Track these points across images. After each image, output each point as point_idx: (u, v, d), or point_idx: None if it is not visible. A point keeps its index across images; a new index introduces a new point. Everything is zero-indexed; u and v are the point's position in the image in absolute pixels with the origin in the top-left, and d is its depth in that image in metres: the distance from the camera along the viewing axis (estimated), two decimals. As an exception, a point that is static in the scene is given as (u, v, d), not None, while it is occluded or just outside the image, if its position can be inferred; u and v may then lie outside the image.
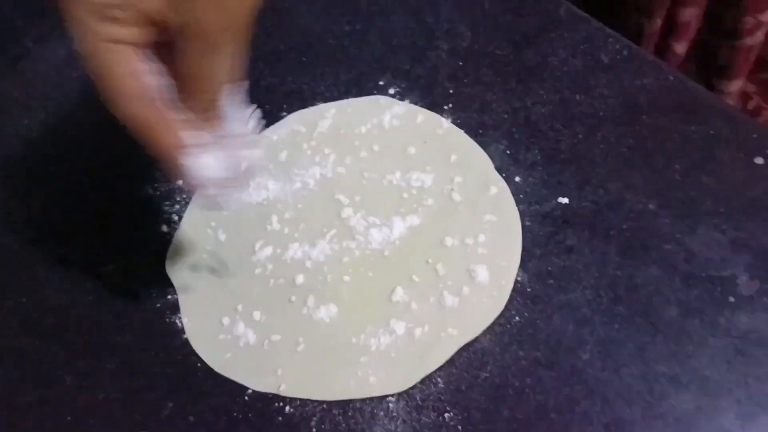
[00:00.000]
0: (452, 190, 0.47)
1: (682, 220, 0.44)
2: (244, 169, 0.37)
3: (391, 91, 0.52)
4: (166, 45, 0.33)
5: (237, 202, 0.38)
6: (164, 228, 0.48)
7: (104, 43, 0.33)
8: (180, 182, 0.49)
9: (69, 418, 0.42)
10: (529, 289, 0.43)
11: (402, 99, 0.51)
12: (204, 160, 0.35)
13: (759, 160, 0.45)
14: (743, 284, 0.42)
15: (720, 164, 0.45)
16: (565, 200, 0.46)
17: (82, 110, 0.54)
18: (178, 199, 0.49)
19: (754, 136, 0.46)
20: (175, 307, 0.45)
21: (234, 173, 0.36)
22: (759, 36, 0.66)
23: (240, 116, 0.36)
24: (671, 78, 0.49)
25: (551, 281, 0.43)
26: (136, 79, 0.33)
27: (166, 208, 0.49)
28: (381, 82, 0.52)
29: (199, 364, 0.43)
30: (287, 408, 0.41)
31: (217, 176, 0.35)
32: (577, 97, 0.49)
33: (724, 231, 0.43)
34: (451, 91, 0.51)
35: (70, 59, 0.58)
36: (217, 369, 0.43)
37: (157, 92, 0.34)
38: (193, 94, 0.35)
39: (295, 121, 0.51)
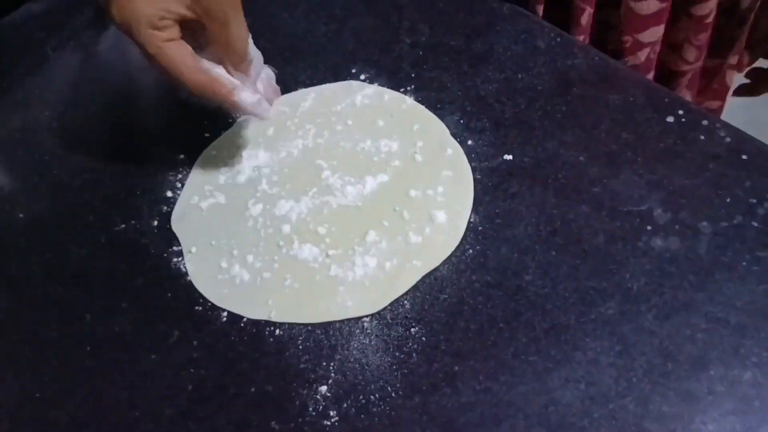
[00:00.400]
0: (415, 152, 0.55)
1: (607, 168, 0.52)
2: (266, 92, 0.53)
3: (362, 77, 0.60)
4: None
5: (269, 112, 0.53)
6: (169, 193, 0.56)
7: (161, 43, 0.47)
8: (182, 156, 0.57)
9: (89, 348, 0.49)
10: (480, 228, 0.51)
11: (371, 83, 0.60)
12: (245, 93, 0.50)
13: (670, 119, 0.54)
14: (658, 215, 0.50)
15: (637, 123, 0.54)
16: (510, 157, 0.54)
17: (95, 101, 0.63)
18: (180, 169, 0.57)
19: (666, 100, 0.55)
20: (179, 255, 0.53)
21: (264, 95, 0.53)
22: (640, 56, 0.69)
23: (257, 61, 0.52)
24: (596, 58, 0.58)
25: (498, 221, 0.51)
26: (190, 59, 0.48)
27: (171, 177, 0.57)
28: (353, 70, 0.61)
29: (201, 300, 0.50)
30: (277, 331, 0.48)
31: (255, 100, 0.51)
32: (519, 75, 0.58)
33: (641, 174, 0.52)
34: (413, 75, 0.60)
35: (83, 64, 0.66)
36: (216, 303, 0.50)
37: (203, 62, 0.49)
38: (226, 57, 0.50)
39: (280, 104, 0.59)
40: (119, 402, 0.46)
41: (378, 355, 0.47)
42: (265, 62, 0.52)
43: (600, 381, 0.43)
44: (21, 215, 0.57)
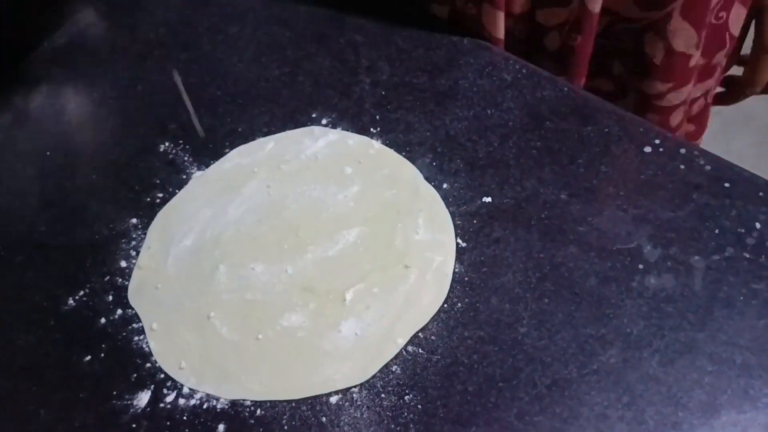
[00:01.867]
0: (389, 200, 0.52)
1: (590, 205, 0.50)
2: None
3: (324, 121, 0.57)
4: None
5: None
6: (123, 263, 0.51)
7: None
8: (134, 221, 0.52)
9: (46, 449, 0.44)
10: (466, 278, 0.48)
11: (334, 128, 0.56)
12: None
13: (647, 149, 0.52)
14: (648, 252, 0.48)
15: (614, 156, 0.52)
16: (488, 199, 0.51)
17: (30, 166, 0.57)
18: (133, 236, 0.52)
19: (641, 130, 0.53)
20: (141, 333, 0.48)
21: None
22: None
23: None
24: (565, 89, 0.56)
25: (485, 269, 0.48)
26: None
27: (123, 244, 0.52)
28: (313, 115, 0.57)
29: (169, 383, 0.46)
30: (258, 411, 0.44)
31: None
32: (488, 111, 0.56)
33: (626, 210, 0.50)
34: (377, 117, 0.56)
35: (13, 125, 0.61)
36: (187, 384, 0.46)
37: None
38: None
39: (237, 155, 0.55)
40: None
41: (372, 429, 0.43)
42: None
43: (611, 438, 0.41)
44: (-45, 301, 0.51)
